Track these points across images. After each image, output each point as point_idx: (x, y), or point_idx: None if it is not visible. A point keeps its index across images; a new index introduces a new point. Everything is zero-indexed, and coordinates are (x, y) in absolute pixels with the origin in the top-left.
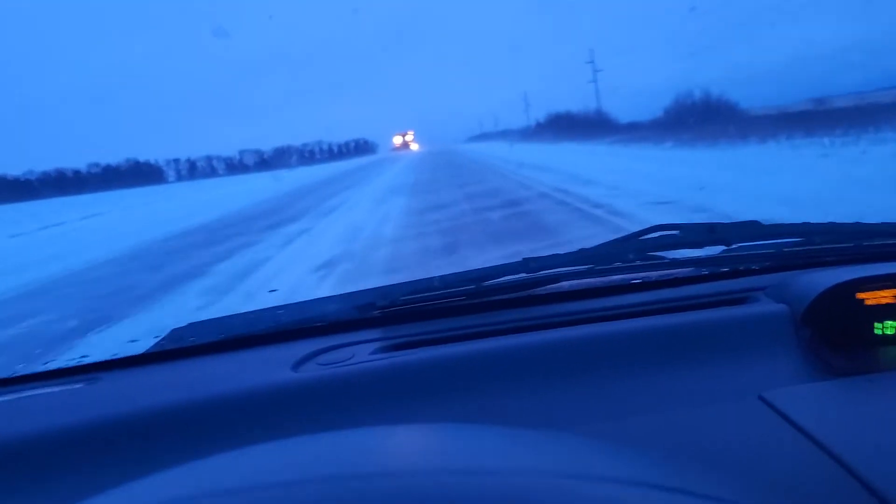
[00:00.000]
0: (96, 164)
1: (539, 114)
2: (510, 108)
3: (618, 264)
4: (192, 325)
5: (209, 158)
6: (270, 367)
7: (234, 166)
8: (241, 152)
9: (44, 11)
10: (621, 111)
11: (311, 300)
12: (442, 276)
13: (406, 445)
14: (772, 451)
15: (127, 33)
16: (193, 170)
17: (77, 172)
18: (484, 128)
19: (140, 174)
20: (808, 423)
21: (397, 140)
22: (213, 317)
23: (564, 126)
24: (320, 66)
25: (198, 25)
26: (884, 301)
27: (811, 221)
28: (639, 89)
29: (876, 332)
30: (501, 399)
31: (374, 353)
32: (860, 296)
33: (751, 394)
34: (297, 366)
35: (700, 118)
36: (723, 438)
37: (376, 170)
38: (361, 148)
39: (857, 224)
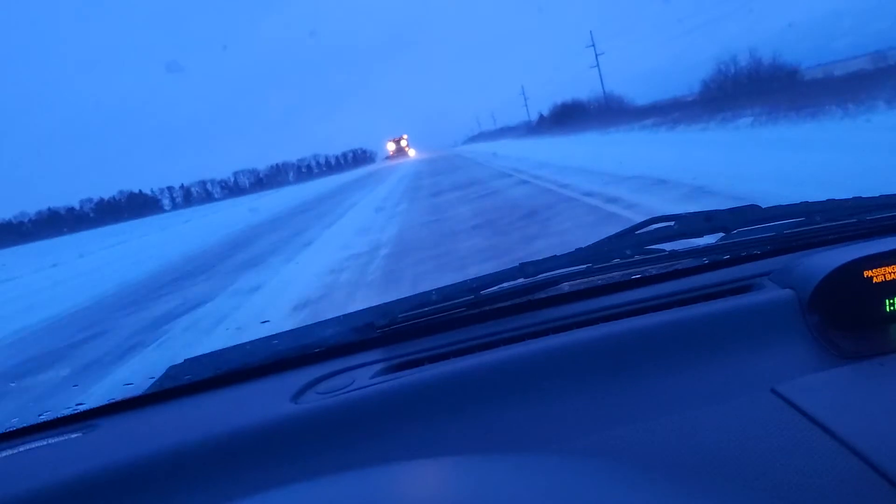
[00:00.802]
0: (89, 200)
1: (541, 107)
2: (508, 104)
3: (616, 261)
4: (188, 361)
5: (203, 183)
6: (269, 400)
7: (230, 188)
8: (236, 173)
9: (24, 49)
10: (634, 94)
11: (307, 326)
12: (439, 289)
13: (419, 490)
14: (789, 446)
15: (112, 63)
16: (188, 196)
17: (71, 210)
18: (482, 126)
19: (135, 205)
20: (824, 415)
21: (390, 147)
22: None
23: (573, 116)
24: (316, 78)
25: (185, 50)
26: (892, 277)
27: (809, 200)
28: (640, 73)
29: (887, 309)
30: (509, 412)
31: (375, 376)
32: (868, 274)
33: (763, 387)
34: (296, 397)
35: (756, 87)
36: (737, 437)
37: (346, 198)
38: (359, 158)
39: (857, 199)
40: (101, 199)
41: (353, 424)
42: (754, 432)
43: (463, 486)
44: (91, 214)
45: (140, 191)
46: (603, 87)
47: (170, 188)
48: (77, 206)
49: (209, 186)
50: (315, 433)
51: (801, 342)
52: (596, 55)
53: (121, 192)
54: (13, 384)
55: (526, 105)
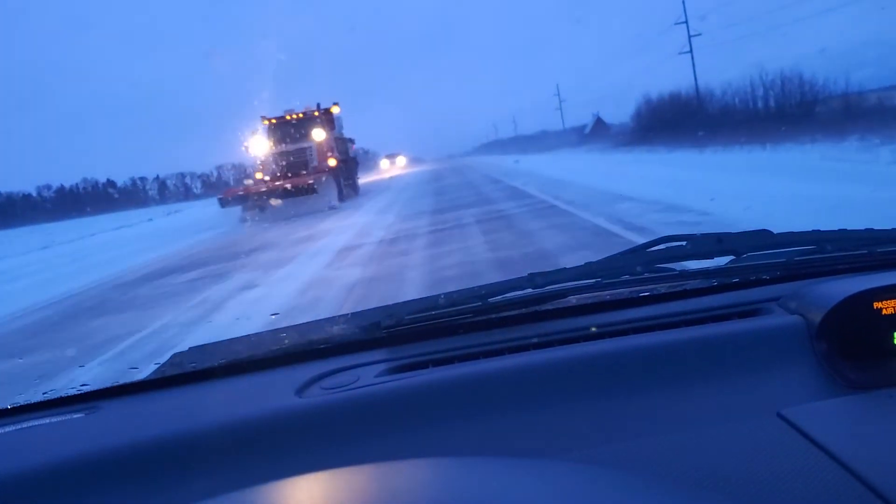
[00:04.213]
0: (48, 187)
1: (583, 113)
2: (536, 107)
3: (625, 277)
4: (192, 349)
5: (182, 176)
6: (274, 392)
7: (213, 185)
8: (219, 168)
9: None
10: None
11: (315, 321)
12: (447, 294)
13: (418, 485)
14: (793, 471)
15: (85, 43)
16: (164, 190)
17: (27, 197)
18: (500, 133)
19: (101, 197)
20: (831, 442)
21: (257, 147)
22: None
23: (664, 123)
24: (320, 73)
25: (173, 37)
26: None
27: (821, 229)
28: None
29: (895, 342)
30: (511, 421)
31: (379, 375)
32: (877, 305)
33: (768, 411)
34: (300, 391)
35: None
36: (742, 458)
37: None
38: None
39: (869, 230)
40: (62, 188)
41: (356, 421)
42: (760, 454)
43: (463, 486)
44: (53, 203)
45: (110, 179)
46: (696, 82)
47: (142, 179)
48: (34, 194)
49: (188, 180)
50: (318, 427)
51: (807, 369)
52: (689, 36)
53: (85, 179)
54: None
55: (560, 109)
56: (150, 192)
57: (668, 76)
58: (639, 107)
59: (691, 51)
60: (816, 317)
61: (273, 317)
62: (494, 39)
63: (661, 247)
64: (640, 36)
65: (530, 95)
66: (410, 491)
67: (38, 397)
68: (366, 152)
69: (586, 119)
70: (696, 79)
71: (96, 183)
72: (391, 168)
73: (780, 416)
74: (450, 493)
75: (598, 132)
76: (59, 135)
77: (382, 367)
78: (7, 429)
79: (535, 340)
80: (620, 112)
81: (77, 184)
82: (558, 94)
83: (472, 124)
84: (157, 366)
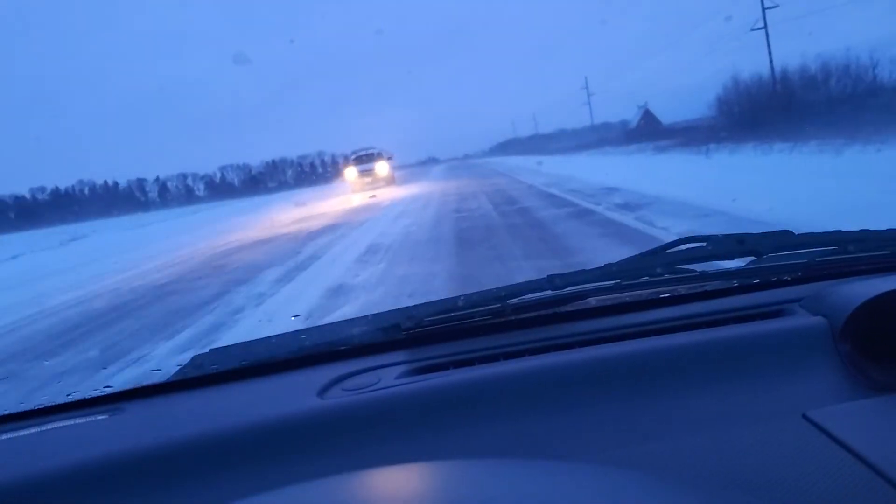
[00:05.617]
0: (42, 189)
1: (609, 110)
2: (556, 104)
3: (646, 278)
4: (213, 351)
5: (184, 177)
6: (295, 393)
7: (215, 186)
8: (223, 168)
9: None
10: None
11: (335, 323)
12: (467, 295)
13: (439, 487)
14: (820, 472)
15: (77, 34)
16: (165, 192)
17: (20, 199)
18: (518, 131)
19: (97, 199)
20: (857, 443)
21: None
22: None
23: (774, 112)
24: (328, 74)
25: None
26: None
27: (843, 229)
28: (682, 88)
29: None
30: (532, 422)
31: (400, 376)
32: None
33: (793, 412)
34: (322, 392)
35: None
36: (768, 460)
37: None
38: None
39: (892, 231)
40: (58, 189)
41: (377, 422)
42: (786, 456)
43: (484, 488)
44: (47, 207)
45: (106, 182)
46: (771, 62)
47: (141, 180)
48: (28, 196)
49: (190, 181)
50: (340, 429)
51: (831, 370)
52: (763, 8)
53: (80, 181)
54: None
55: (589, 103)
56: (150, 195)
57: (726, 61)
58: (726, 93)
59: (766, 26)
60: (840, 318)
61: (294, 318)
62: (509, 34)
63: (682, 248)
64: (674, 25)
65: (550, 92)
66: (432, 493)
67: (61, 399)
68: (378, 152)
69: (613, 116)
70: (770, 59)
71: (94, 184)
72: (359, 184)
73: (805, 417)
74: (471, 496)
75: (647, 127)
76: (61, 135)
77: (403, 368)
78: (32, 430)
79: (555, 342)
80: (664, 105)
81: (71, 186)
82: (587, 88)
83: (487, 123)
84: (179, 367)
